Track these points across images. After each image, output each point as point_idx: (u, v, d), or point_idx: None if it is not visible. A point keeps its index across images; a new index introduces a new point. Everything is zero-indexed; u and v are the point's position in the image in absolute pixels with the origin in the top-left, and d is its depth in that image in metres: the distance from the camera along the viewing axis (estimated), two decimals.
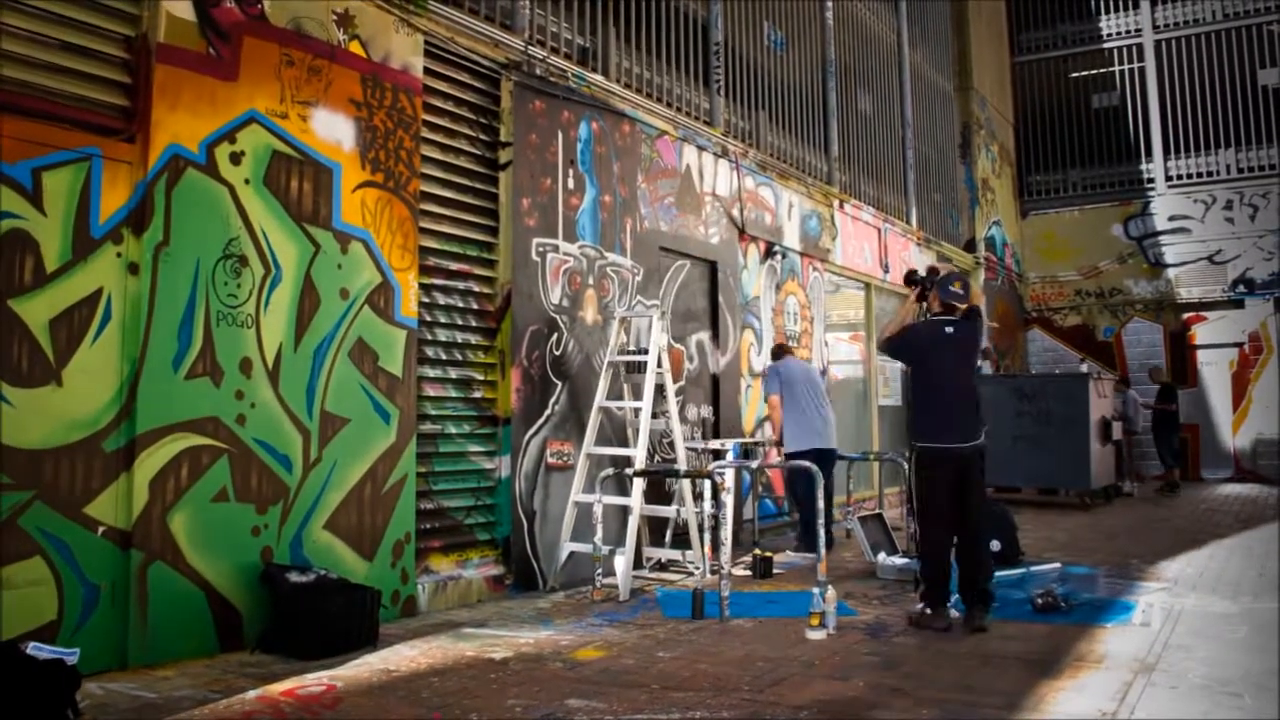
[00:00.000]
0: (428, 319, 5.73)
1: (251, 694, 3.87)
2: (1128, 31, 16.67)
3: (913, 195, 13.05)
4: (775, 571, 6.74)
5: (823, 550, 5.41)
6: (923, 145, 13.65)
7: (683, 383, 7.82)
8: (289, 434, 4.80)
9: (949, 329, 5.36)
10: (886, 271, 11.90)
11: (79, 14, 4.19)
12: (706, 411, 8.11)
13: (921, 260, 13.00)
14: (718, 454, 7.45)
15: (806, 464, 6.09)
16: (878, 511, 7.78)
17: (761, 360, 8.89)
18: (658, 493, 7.11)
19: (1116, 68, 16.75)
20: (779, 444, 7.72)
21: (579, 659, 4.45)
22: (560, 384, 6.46)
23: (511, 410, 6.06)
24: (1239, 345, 15.25)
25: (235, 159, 4.64)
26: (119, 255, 4.25)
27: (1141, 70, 16.50)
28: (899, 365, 12.51)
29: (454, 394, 5.90)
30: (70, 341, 4.08)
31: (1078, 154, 17.15)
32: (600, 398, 6.44)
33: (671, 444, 6.67)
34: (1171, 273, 15.92)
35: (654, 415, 6.51)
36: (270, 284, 4.76)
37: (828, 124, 10.81)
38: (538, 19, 6.70)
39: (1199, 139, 15.97)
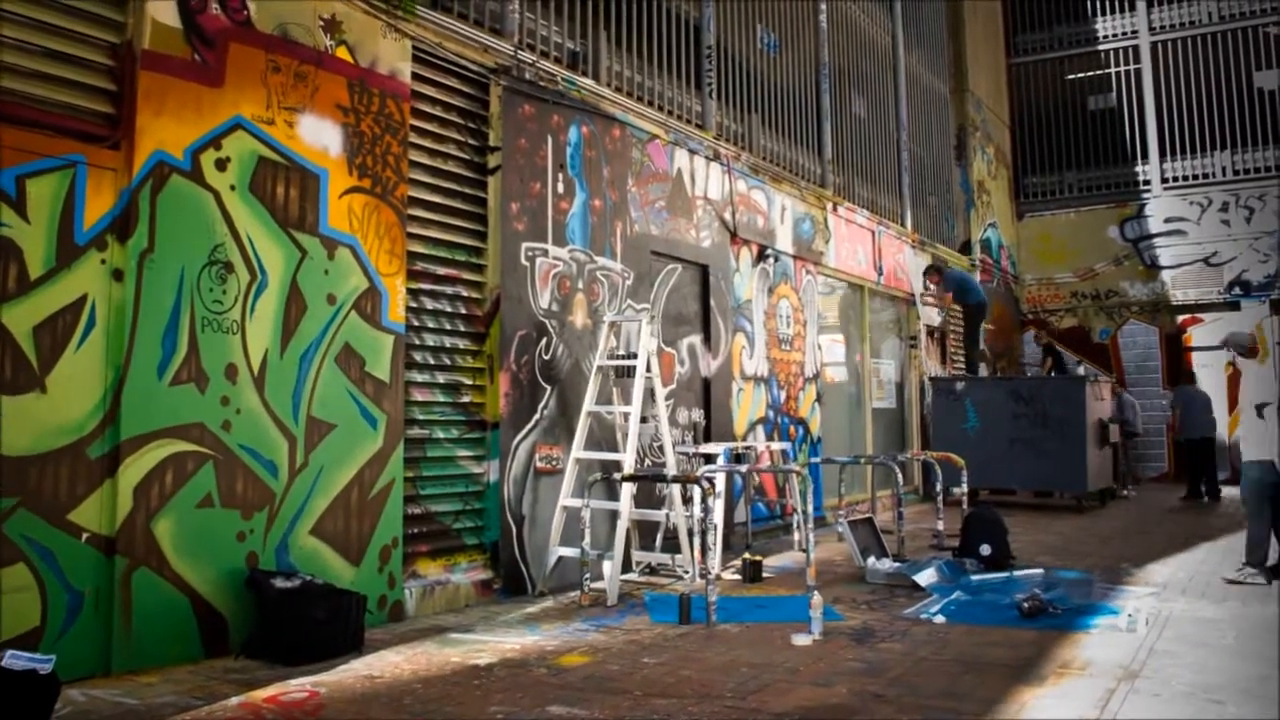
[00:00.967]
0: (416, 324, 5.73)
1: (234, 700, 3.87)
2: (1124, 33, 16.67)
3: (907, 198, 13.06)
4: (765, 576, 6.74)
5: (811, 553, 5.40)
6: (918, 148, 13.65)
7: (673, 386, 7.82)
8: (275, 440, 4.80)
9: None
10: (881, 274, 11.90)
11: (63, 21, 4.19)
12: (698, 415, 8.11)
13: (916, 263, 13.01)
14: (709, 458, 7.46)
15: None
16: (868, 515, 7.78)
17: (754, 363, 8.91)
18: (649, 497, 7.12)
19: (1113, 70, 16.76)
20: None
21: (563, 665, 4.45)
22: (549, 388, 6.46)
23: (500, 415, 6.07)
24: None
25: (221, 165, 4.65)
26: (103, 262, 4.25)
27: (1138, 72, 16.50)
28: (892, 367, 12.53)
29: (442, 399, 5.91)
30: (54, 348, 4.08)
31: (1074, 156, 17.16)
32: (589, 402, 6.44)
33: (662, 448, 6.67)
34: (1167, 275, 15.93)
35: (643, 419, 6.52)
36: (256, 290, 4.77)
37: (821, 127, 10.82)
38: (528, 23, 6.70)
39: (1195, 141, 15.98)
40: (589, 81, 7.10)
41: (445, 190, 5.99)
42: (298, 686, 4.07)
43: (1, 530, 3.86)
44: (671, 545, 6.81)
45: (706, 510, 5.55)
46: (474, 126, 6.20)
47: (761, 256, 9.20)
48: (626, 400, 6.51)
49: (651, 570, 6.83)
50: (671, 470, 6.49)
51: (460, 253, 6.07)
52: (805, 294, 10.03)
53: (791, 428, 9.50)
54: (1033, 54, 17.55)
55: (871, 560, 6.75)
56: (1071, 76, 17.20)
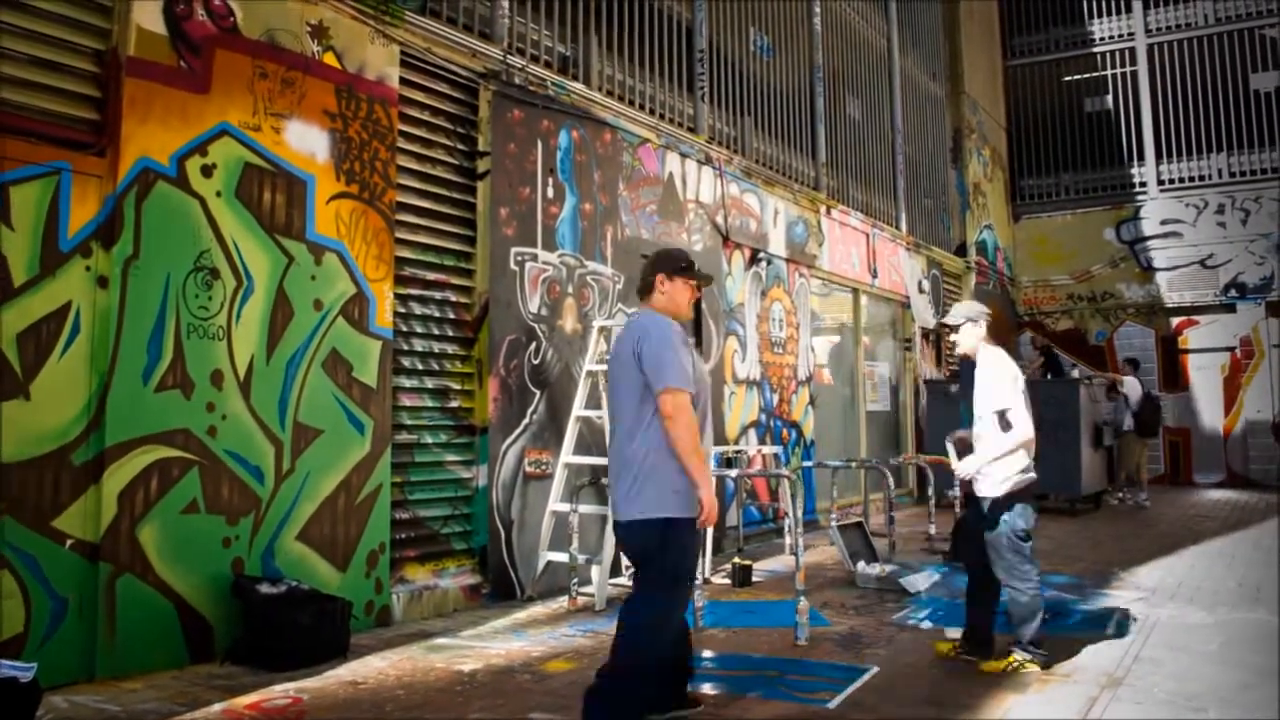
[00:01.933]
0: (404, 329, 5.74)
1: (217, 707, 3.88)
2: (1120, 35, 16.67)
3: (902, 200, 13.06)
4: (755, 580, 6.75)
5: (800, 558, 5.39)
6: (913, 150, 13.65)
7: None
8: (261, 445, 4.81)
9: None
10: (875, 277, 11.90)
11: (48, 28, 4.20)
12: None
13: (912, 265, 13.02)
14: None
15: None
16: (859, 520, 7.78)
17: (746, 367, 8.90)
18: None
19: (1109, 72, 16.76)
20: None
21: (547, 670, 4.46)
22: (538, 393, 6.47)
23: (489, 419, 6.07)
24: (1230, 350, 15.26)
25: (207, 172, 4.65)
26: (88, 269, 4.26)
27: (1134, 74, 16.50)
28: (887, 369, 12.53)
29: (430, 404, 5.91)
30: (38, 355, 4.09)
31: (1070, 158, 17.16)
32: (579, 407, 6.44)
33: None
34: (1163, 277, 15.93)
35: None
36: (242, 296, 4.77)
37: (815, 129, 10.82)
38: (518, 27, 6.70)
39: (1191, 143, 15.98)
40: (579, 86, 7.10)
41: (434, 195, 6.00)
42: (281, 693, 4.07)
43: None
44: None
45: None
46: (463, 131, 6.20)
47: (754, 260, 9.21)
48: None
49: None
50: None
51: (449, 257, 6.07)
52: (798, 297, 10.03)
53: (784, 431, 9.50)
54: (1029, 56, 17.55)
55: (861, 565, 6.76)
56: (1068, 78, 17.19)
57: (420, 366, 5.86)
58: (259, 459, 4.80)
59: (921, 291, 13.05)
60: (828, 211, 10.81)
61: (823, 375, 10.90)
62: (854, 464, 8.69)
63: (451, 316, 6.07)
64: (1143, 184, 16.33)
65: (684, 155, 8.24)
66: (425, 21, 5.85)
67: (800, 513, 6.37)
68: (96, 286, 4.28)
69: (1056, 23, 17.31)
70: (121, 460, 4.27)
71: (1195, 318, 15.64)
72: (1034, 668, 4.43)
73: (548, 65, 6.93)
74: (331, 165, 5.23)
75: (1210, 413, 15.32)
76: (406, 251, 5.77)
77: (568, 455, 6.36)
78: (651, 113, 7.98)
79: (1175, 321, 15.80)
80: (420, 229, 5.89)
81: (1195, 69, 15.98)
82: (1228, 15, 15.85)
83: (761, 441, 9.01)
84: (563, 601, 5.98)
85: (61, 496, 4.12)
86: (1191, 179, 15.95)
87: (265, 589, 4.57)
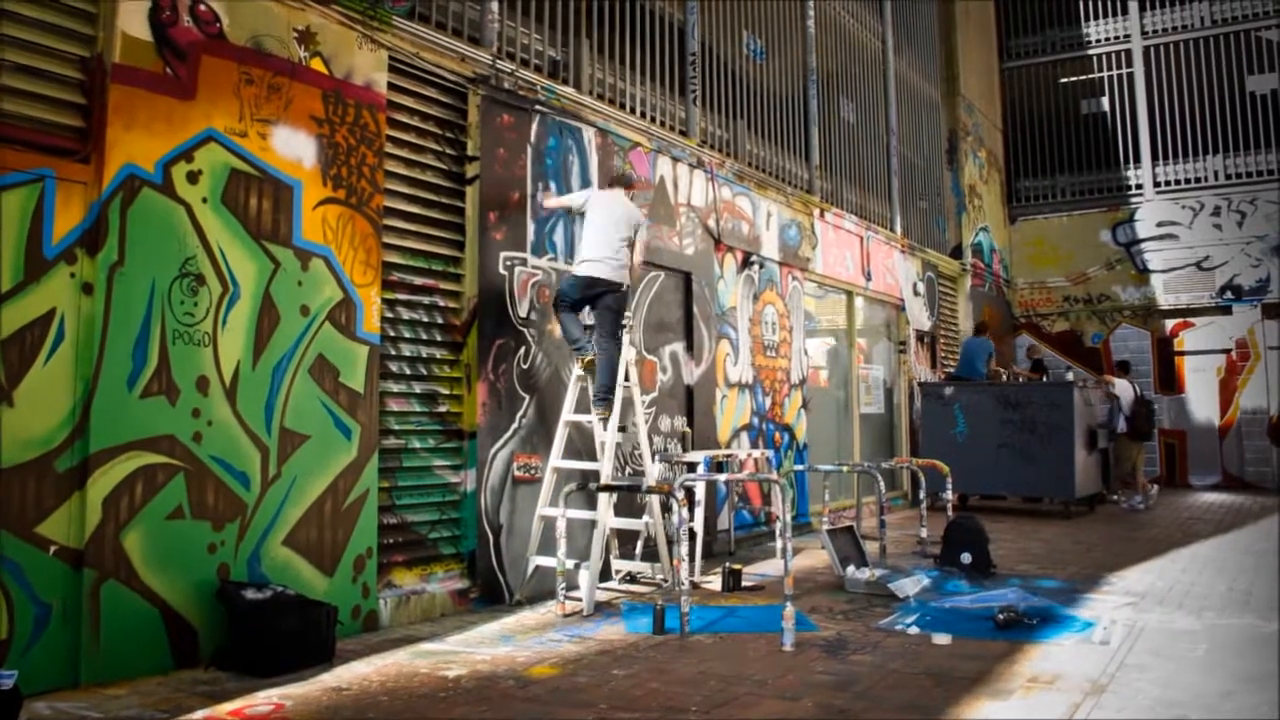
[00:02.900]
0: (391, 334, 5.74)
1: (200, 713, 3.88)
2: (1116, 37, 16.68)
3: (897, 202, 13.06)
4: (746, 584, 6.75)
5: (789, 563, 5.39)
6: (908, 152, 13.65)
7: (655, 394, 7.83)
8: (247, 451, 4.81)
9: None
10: (870, 279, 11.90)
11: (33, 35, 4.20)
12: (680, 423, 8.12)
13: (906, 268, 13.02)
14: (691, 466, 7.46)
15: None
16: (849, 524, 7.78)
17: (738, 370, 8.92)
18: (630, 505, 7.12)
19: (1105, 73, 16.77)
20: None
21: (532, 676, 4.46)
22: (528, 397, 6.47)
23: (477, 424, 6.07)
24: (1226, 351, 15.27)
25: (192, 178, 4.65)
26: (73, 276, 4.26)
27: (1130, 76, 16.51)
28: (881, 371, 12.54)
29: (419, 408, 5.91)
30: (23, 362, 4.09)
31: (1066, 160, 17.16)
32: (568, 411, 6.45)
33: (642, 456, 6.67)
34: (1159, 279, 15.93)
35: (623, 428, 6.52)
36: (228, 302, 4.77)
37: (808, 132, 10.82)
38: (507, 31, 6.71)
39: (1187, 145, 15.99)
40: (570, 90, 7.11)
41: (422, 200, 6.00)
42: (264, 699, 4.08)
43: None
44: (652, 554, 6.82)
45: (681, 520, 5.55)
46: (452, 136, 6.21)
47: (746, 263, 9.21)
48: None
49: (631, 579, 6.84)
50: (652, 479, 6.49)
51: (437, 262, 6.08)
52: (791, 300, 10.03)
53: (777, 434, 9.51)
54: (1025, 58, 17.56)
55: (851, 569, 6.76)
56: (1064, 80, 17.21)
57: (408, 371, 5.87)
58: (245, 464, 4.80)
59: (917, 294, 13.05)
60: (821, 214, 10.82)
61: (818, 377, 10.91)
62: (845, 468, 8.69)
63: (440, 321, 6.07)
64: (1139, 186, 16.34)
65: (676, 159, 8.24)
66: (414, 26, 5.86)
67: (790, 517, 6.38)
68: (81, 293, 4.28)
69: (1053, 24, 17.32)
70: (106, 466, 4.27)
71: (1191, 320, 15.65)
72: None
73: (538, 69, 6.93)
74: (318, 170, 5.23)
75: (1206, 415, 15.32)
76: (394, 256, 5.77)
77: (557, 460, 6.36)
78: (643, 116, 7.98)
79: (1171, 324, 15.82)
80: (408, 234, 5.90)
81: (1191, 71, 15.99)
82: (1224, 17, 15.86)
83: (754, 444, 9.01)
84: (551, 606, 5.98)
85: (45, 502, 4.12)
86: (1187, 181, 15.96)
87: (251, 594, 4.58)
